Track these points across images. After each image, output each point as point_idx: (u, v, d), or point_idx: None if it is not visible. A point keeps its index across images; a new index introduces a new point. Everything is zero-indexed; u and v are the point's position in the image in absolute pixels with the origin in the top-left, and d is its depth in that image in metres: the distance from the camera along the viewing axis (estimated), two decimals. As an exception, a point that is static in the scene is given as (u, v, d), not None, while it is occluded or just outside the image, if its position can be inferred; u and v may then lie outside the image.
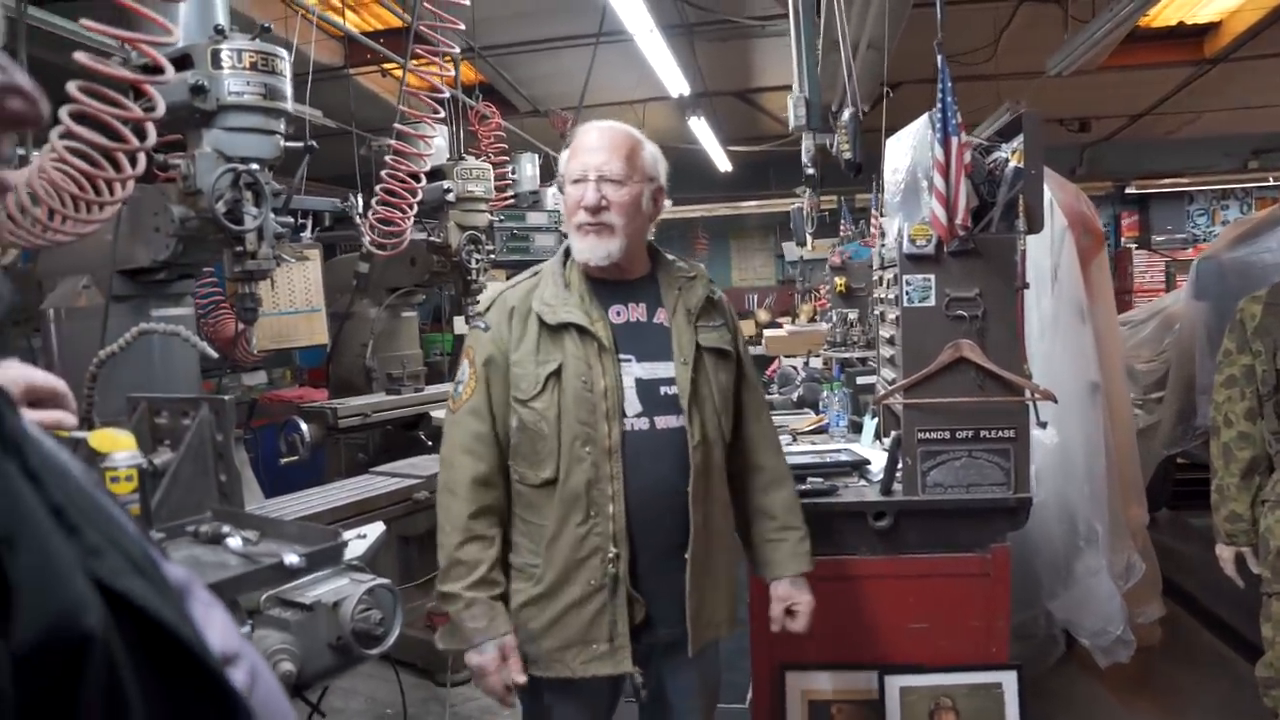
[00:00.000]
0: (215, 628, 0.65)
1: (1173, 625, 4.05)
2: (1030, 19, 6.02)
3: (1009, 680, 2.56)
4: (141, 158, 1.93)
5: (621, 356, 1.82)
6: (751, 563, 2.09)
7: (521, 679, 1.79)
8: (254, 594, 1.56)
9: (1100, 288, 3.72)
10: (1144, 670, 3.68)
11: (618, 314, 1.87)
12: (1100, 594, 3.13)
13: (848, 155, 3.06)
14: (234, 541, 1.55)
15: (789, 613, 2.02)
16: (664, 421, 1.82)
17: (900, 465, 2.54)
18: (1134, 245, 10.44)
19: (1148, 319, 5.22)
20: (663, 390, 1.83)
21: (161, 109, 1.91)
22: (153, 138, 1.91)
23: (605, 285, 1.89)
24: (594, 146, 1.82)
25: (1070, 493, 3.22)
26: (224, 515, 1.69)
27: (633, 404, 1.81)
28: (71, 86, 1.70)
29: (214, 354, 2.22)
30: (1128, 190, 10.34)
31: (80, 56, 1.65)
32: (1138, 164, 10.32)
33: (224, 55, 2.22)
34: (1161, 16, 6.91)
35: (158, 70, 1.97)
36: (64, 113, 1.74)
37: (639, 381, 1.82)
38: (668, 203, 1.91)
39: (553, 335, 1.81)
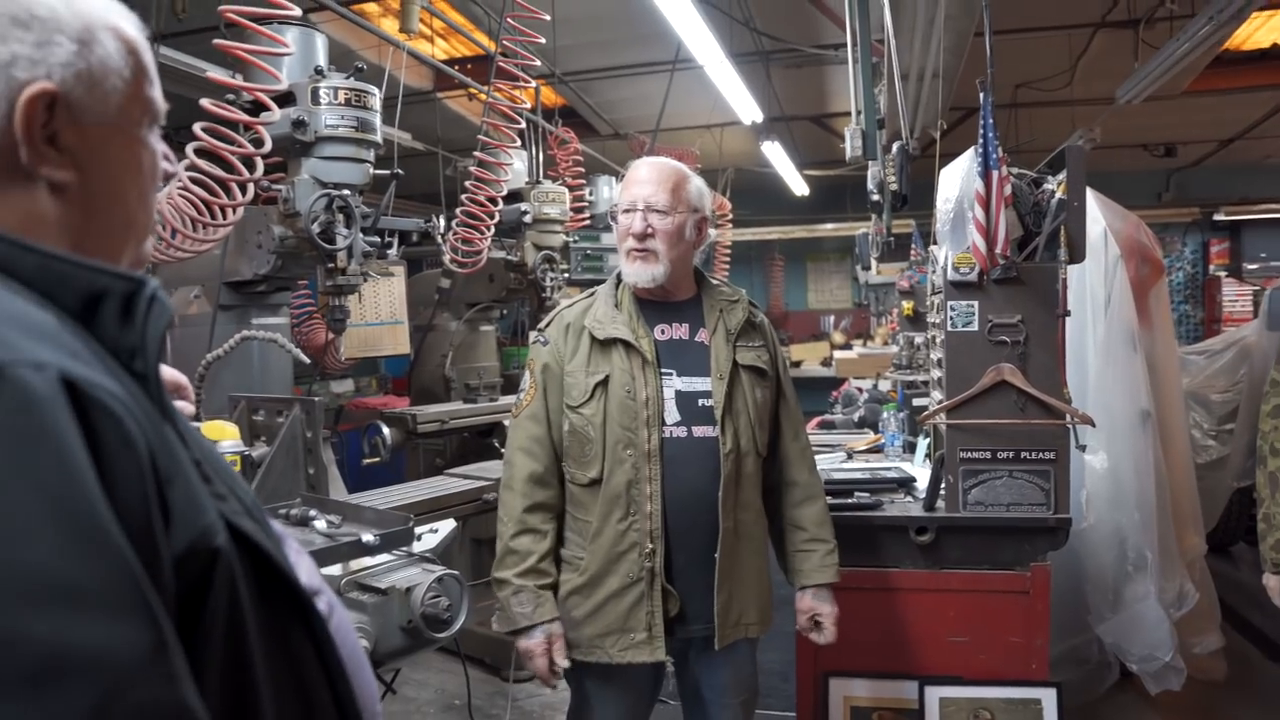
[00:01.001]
0: (304, 568, 0.84)
1: (1240, 660, 3.97)
2: (1107, 45, 5.96)
3: (1048, 697, 2.59)
4: (251, 186, 2.19)
5: (663, 370, 1.99)
6: (783, 570, 2.22)
7: (564, 663, 1.95)
8: (335, 576, 1.77)
9: (1159, 316, 3.71)
10: (1204, 703, 3.61)
11: (662, 332, 2.04)
12: (1148, 620, 3.12)
13: (894, 187, 3.17)
14: (319, 524, 1.76)
15: (815, 624, 2.15)
16: (701, 431, 1.98)
17: (943, 483, 2.63)
18: (1224, 273, 10.12)
19: (1225, 349, 5.09)
20: (700, 402, 1.99)
21: (269, 145, 2.17)
22: (260, 169, 2.16)
23: (652, 305, 2.07)
24: (643, 179, 2.02)
25: (1120, 518, 3.22)
26: (311, 501, 1.91)
27: (672, 413, 1.97)
28: (197, 127, 1.96)
29: (306, 359, 2.47)
30: (1216, 217, 10.03)
31: (205, 102, 1.91)
32: (1229, 189, 10.00)
33: (322, 93, 2.48)
34: (1252, 39, 6.75)
35: (266, 109, 2.23)
36: (190, 148, 2.01)
37: (679, 393, 1.99)
38: (713, 231, 2.08)
39: (602, 349, 1.99)
